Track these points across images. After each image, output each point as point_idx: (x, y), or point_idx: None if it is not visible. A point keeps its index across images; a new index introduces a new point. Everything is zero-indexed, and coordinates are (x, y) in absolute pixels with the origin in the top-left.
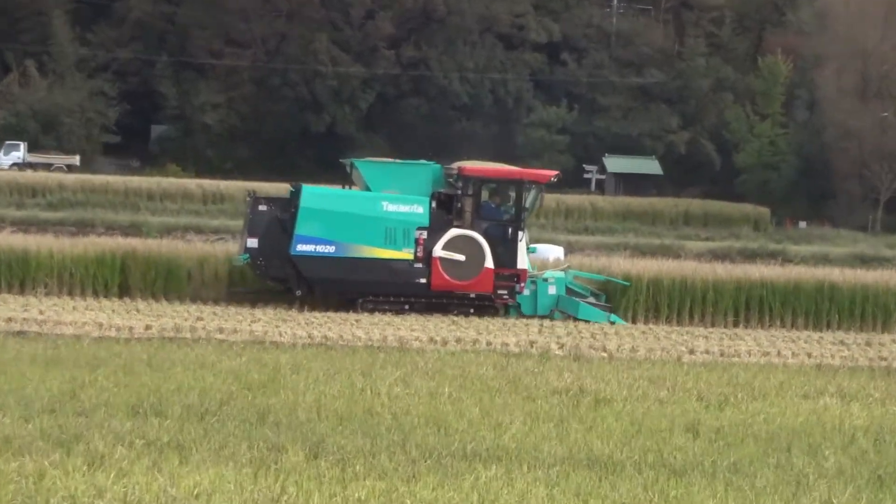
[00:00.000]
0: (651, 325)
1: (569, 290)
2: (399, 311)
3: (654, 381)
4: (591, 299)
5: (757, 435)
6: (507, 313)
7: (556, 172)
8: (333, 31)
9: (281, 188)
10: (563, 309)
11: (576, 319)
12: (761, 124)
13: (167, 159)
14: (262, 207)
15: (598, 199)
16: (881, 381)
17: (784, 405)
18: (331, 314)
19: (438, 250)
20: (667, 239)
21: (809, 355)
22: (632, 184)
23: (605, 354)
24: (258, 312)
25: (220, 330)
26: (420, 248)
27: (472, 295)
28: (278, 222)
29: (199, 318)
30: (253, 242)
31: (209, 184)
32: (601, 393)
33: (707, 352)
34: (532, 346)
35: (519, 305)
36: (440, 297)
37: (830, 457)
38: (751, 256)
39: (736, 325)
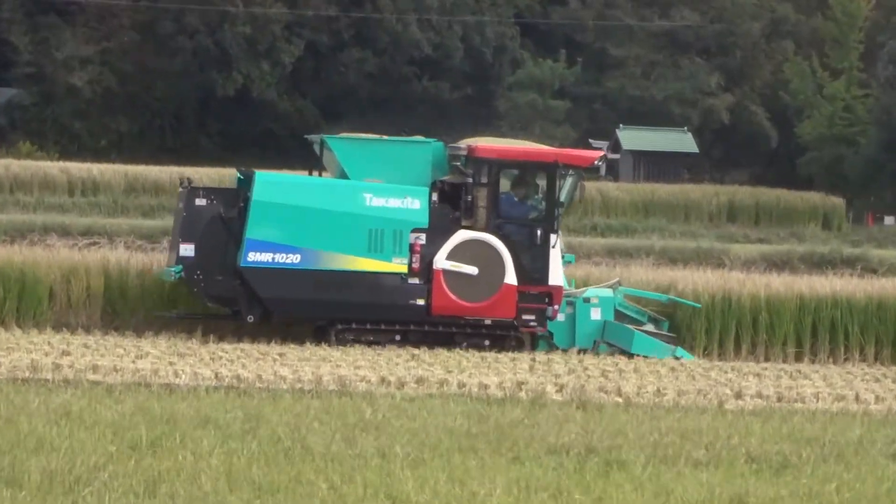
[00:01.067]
0: (683, 361)
1: (618, 315)
2: (387, 343)
3: (686, 436)
4: (650, 327)
5: None
6: (534, 346)
7: (601, 153)
8: None
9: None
10: (610, 340)
11: (628, 354)
12: (833, 83)
13: (18, 135)
14: (201, 202)
15: (610, 187)
16: None
17: (865, 469)
18: (245, 346)
19: (442, 261)
20: (705, 241)
21: None
22: (656, 165)
23: (619, 399)
24: (145, 344)
25: (94, 368)
26: (416, 258)
27: (488, 321)
28: (222, 222)
29: (65, 353)
30: (188, 250)
31: (77, 168)
32: (614, 453)
33: (759, 395)
34: (521, 389)
35: (551, 335)
36: (444, 324)
37: None
38: (819, 265)
39: (799, 358)
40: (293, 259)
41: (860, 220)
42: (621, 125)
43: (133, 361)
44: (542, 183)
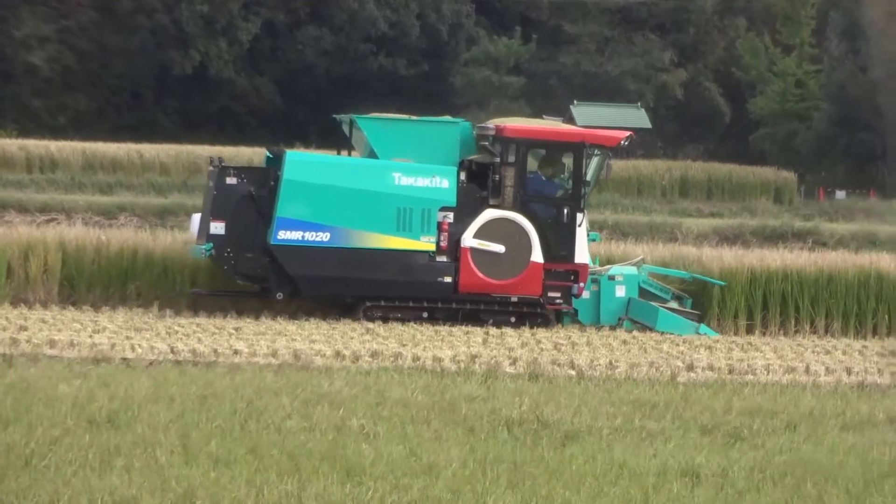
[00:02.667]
0: (636, 333)
1: (642, 292)
2: (415, 320)
3: (639, 407)
4: (674, 304)
5: (779, 480)
6: (560, 322)
7: (628, 133)
8: None
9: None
10: (635, 317)
11: (652, 331)
12: (785, 59)
13: None
14: (231, 181)
15: None
16: None
17: (815, 439)
18: (201, 320)
19: (469, 239)
20: (658, 215)
21: (849, 371)
22: None
23: (572, 372)
24: (103, 319)
25: (52, 343)
26: (444, 236)
27: (514, 299)
28: (252, 201)
29: (23, 328)
30: (218, 228)
31: (35, 146)
32: (568, 425)
33: (711, 367)
34: (474, 362)
35: (576, 312)
36: (471, 301)
37: None
38: (771, 238)
39: (750, 330)
40: (323, 237)
41: (812, 195)
42: (576, 101)
43: (90, 336)
44: (568, 162)
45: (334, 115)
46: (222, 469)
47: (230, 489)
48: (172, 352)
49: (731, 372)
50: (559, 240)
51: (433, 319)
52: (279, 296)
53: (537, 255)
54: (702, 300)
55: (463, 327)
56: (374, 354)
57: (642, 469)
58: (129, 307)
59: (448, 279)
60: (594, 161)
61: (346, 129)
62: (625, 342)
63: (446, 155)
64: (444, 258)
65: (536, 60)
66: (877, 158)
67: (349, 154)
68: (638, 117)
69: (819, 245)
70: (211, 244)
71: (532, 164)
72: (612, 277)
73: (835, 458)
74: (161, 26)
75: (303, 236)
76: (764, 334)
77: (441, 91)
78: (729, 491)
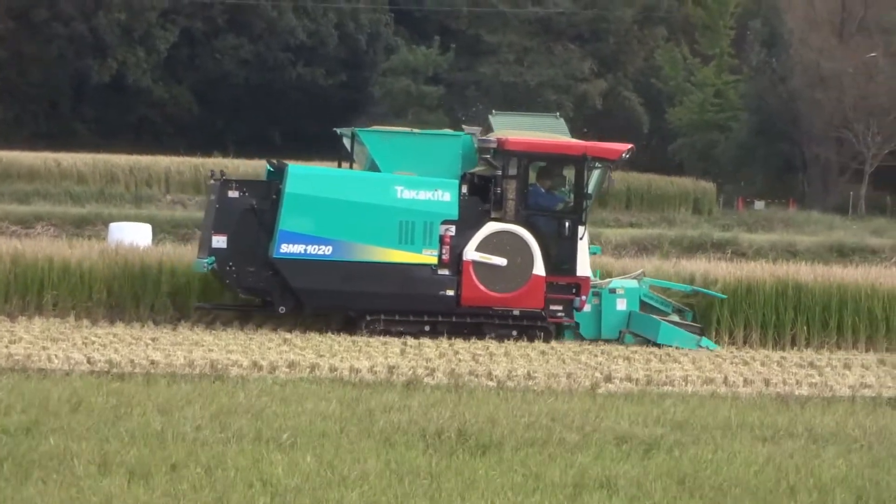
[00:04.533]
0: (554, 344)
1: (643, 305)
2: (417, 333)
3: (557, 418)
4: (675, 317)
5: (696, 491)
6: (561, 335)
7: (629, 146)
8: None
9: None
10: (636, 330)
11: (654, 344)
12: (704, 69)
13: None
14: (234, 194)
15: None
16: (865, 418)
17: (733, 451)
18: (118, 331)
19: (471, 252)
20: None
21: (767, 382)
22: None
23: (491, 383)
24: (19, 329)
25: None
26: (446, 250)
27: (516, 312)
28: (254, 214)
29: None
30: (220, 241)
31: None
32: (486, 436)
33: (629, 378)
34: (392, 373)
35: (577, 325)
36: (473, 314)
37: None
38: (689, 248)
39: None
40: (325, 250)
41: (730, 205)
42: (494, 111)
43: (6, 346)
44: (568, 175)
45: (335, 129)
46: (138, 481)
47: (146, 501)
48: (89, 362)
49: (649, 383)
50: (561, 253)
51: (435, 333)
52: (281, 310)
53: (539, 269)
54: None
55: (382, 338)
56: (291, 365)
57: (559, 480)
58: (45, 317)
59: (450, 292)
60: (596, 173)
61: (346, 142)
62: (543, 353)
63: (448, 168)
64: (446, 271)
65: (455, 70)
66: (796, 169)
67: (350, 167)
68: (557, 127)
69: (738, 255)
70: (213, 258)
71: (533, 176)
72: (613, 290)
73: (751, 470)
74: (78, 34)
75: (305, 249)
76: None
77: (360, 101)
78: (646, 502)
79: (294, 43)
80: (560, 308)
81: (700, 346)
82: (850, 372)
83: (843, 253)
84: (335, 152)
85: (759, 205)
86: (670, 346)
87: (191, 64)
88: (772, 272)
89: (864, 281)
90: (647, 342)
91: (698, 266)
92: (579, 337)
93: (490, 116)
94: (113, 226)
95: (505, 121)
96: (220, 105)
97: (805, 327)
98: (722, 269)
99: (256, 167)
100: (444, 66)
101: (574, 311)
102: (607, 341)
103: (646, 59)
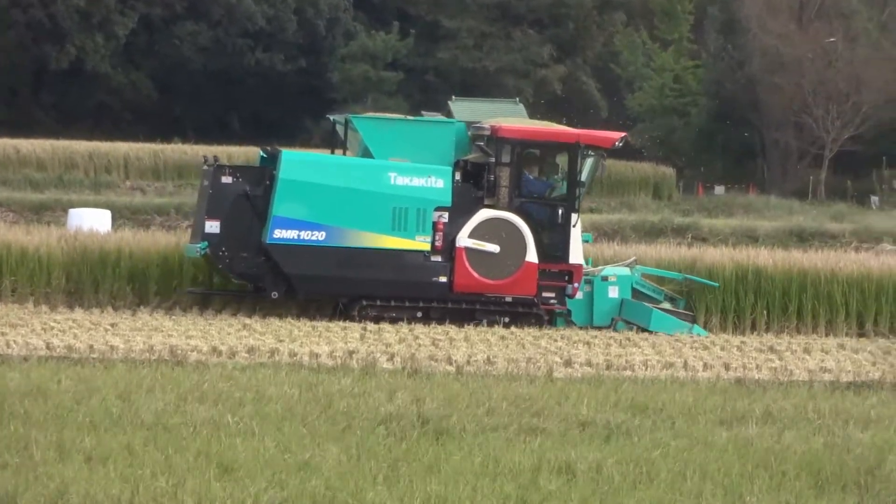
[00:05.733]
0: (514, 329)
1: (635, 293)
2: (410, 319)
3: (516, 403)
4: (667, 304)
5: (655, 475)
6: (553, 322)
7: (622, 134)
8: None
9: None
10: (628, 318)
11: (646, 331)
12: (663, 55)
13: None
14: (227, 179)
15: None
16: (824, 402)
17: (693, 435)
18: (77, 316)
19: (464, 239)
20: None
21: (727, 367)
22: None
23: (451, 368)
24: None
25: None
26: (439, 236)
27: (509, 299)
28: (247, 200)
29: None
30: (213, 227)
31: None
32: (445, 421)
33: (589, 363)
34: (352, 358)
35: (569, 313)
36: (465, 300)
37: None
38: (650, 234)
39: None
40: (318, 236)
41: (690, 190)
42: (454, 97)
43: None
44: (561, 163)
45: (328, 116)
46: (97, 466)
47: (105, 486)
48: (48, 348)
49: (608, 368)
50: (553, 240)
51: (428, 319)
52: (274, 295)
53: (532, 256)
54: None
55: (342, 323)
56: (250, 350)
57: (518, 465)
58: (4, 303)
59: (443, 279)
60: (589, 161)
61: (340, 129)
62: (503, 338)
63: (441, 155)
64: (438, 258)
65: (414, 56)
66: (755, 154)
67: (343, 154)
68: (516, 113)
69: (698, 240)
70: (206, 243)
71: (527, 163)
72: (605, 278)
73: (711, 454)
74: (36, 21)
75: (298, 235)
76: (641, 330)
77: (318, 86)
78: (605, 487)
79: (253, 29)
80: (552, 295)
81: (692, 334)
82: (809, 356)
83: (802, 238)
84: (293, 137)
85: (719, 190)
86: (667, 333)
87: (150, 50)
88: (732, 257)
89: (824, 266)
90: (641, 330)
91: (659, 252)
92: (571, 324)
93: (450, 102)
94: (72, 212)
95: (464, 106)
96: (179, 91)
97: (765, 312)
98: (682, 255)
99: (216, 152)
100: (403, 51)
101: (566, 298)
102: (599, 328)
103: (605, 45)
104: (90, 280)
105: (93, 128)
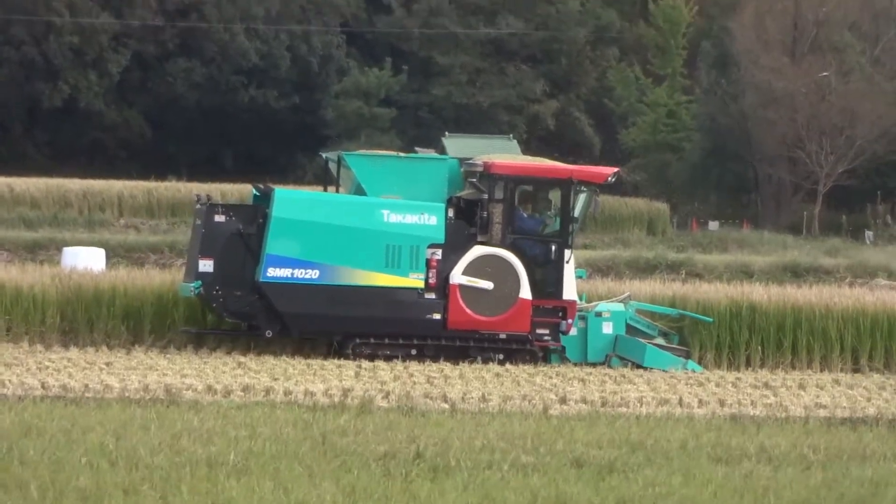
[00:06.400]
0: (509, 366)
1: (629, 329)
2: (405, 357)
3: (511, 440)
4: (661, 340)
5: None
6: (547, 359)
7: (615, 169)
8: None
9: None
10: (622, 354)
11: (641, 367)
12: (657, 90)
13: None
14: (219, 218)
15: None
16: (820, 438)
17: (689, 472)
18: (72, 355)
19: (458, 276)
20: None
21: (723, 403)
22: None
23: (445, 405)
24: None
25: None
26: (433, 273)
27: (503, 335)
28: (241, 238)
29: None
30: (207, 265)
31: None
32: (440, 459)
33: (584, 400)
34: (347, 396)
35: (563, 349)
36: (459, 337)
37: None
38: (644, 270)
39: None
40: (312, 274)
41: (685, 226)
42: (447, 133)
43: None
44: (554, 199)
45: (321, 153)
46: None
47: None
48: (43, 387)
49: (604, 404)
50: (547, 276)
51: (422, 356)
52: (268, 333)
53: (525, 292)
54: None
55: (336, 361)
56: (245, 389)
57: (513, 502)
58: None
59: (437, 316)
60: (582, 197)
61: (332, 166)
62: (498, 375)
63: (434, 192)
64: (432, 295)
65: (407, 92)
66: (749, 189)
67: (336, 191)
68: (509, 149)
69: (692, 276)
70: (199, 282)
71: (520, 200)
72: (599, 314)
73: (707, 492)
74: (29, 59)
75: (292, 273)
76: (636, 367)
77: (312, 123)
78: None
79: (246, 65)
80: (546, 332)
81: (686, 369)
82: (804, 392)
83: (797, 273)
84: (287, 174)
85: (713, 225)
86: (661, 370)
87: (143, 87)
88: (726, 293)
89: (819, 301)
90: (635, 365)
91: (653, 287)
92: (565, 360)
93: (443, 138)
94: (66, 250)
95: (457, 142)
96: (172, 128)
97: (760, 348)
98: (676, 291)
99: (210, 190)
100: (396, 87)
101: (560, 334)
102: (594, 364)
103: (598, 80)
104: (85, 319)
105: (86, 165)
